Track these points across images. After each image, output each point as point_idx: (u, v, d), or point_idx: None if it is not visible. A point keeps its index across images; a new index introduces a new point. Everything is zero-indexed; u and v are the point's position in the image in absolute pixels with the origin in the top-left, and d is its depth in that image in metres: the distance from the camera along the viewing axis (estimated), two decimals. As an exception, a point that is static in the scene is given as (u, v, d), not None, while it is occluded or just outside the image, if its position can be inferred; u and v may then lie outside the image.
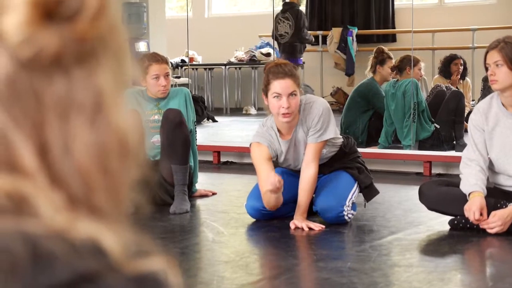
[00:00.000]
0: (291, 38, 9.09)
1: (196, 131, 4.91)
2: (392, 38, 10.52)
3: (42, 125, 0.52)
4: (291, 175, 4.26)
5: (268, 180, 3.81)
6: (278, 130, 4.11)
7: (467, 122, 5.19)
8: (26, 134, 0.51)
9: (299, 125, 4.09)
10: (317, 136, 4.06)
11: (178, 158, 4.54)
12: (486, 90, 6.99)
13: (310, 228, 3.94)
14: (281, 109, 3.92)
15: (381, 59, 6.96)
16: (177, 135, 4.52)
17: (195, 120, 4.90)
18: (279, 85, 3.92)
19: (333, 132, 4.09)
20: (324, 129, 4.06)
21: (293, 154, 4.17)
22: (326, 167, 4.23)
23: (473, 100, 8.08)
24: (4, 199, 0.49)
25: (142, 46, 8.27)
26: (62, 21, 0.52)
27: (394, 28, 10.66)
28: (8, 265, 0.46)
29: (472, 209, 3.74)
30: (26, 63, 0.51)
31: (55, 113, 0.52)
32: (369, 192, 4.26)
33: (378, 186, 4.36)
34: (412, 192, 4.73)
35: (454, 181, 4.12)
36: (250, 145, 4.13)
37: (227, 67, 10.80)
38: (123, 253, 0.50)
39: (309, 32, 9.27)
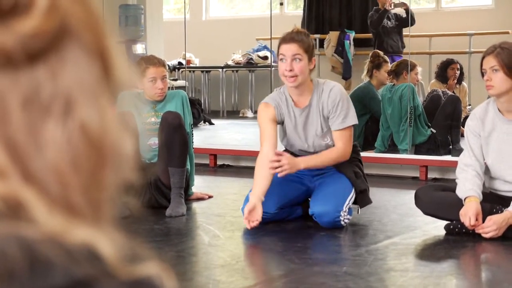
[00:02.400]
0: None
1: (192, 134, 4.91)
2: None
3: (8, 124, 0.51)
4: (289, 181, 4.25)
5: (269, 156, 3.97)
6: (292, 98, 4.18)
7: (463, 127, 5.20)
8: None
9: (314, 97, 4.15)
10: (339, 122, 4.12)
11: (175, 160, 4.54)
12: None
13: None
14: (285, 72, 4.05)
15: (377, 63, 6.97)
16: (175, 138, 4.52)
17: (192, 123, 4.90)
18: (283, 48, 4.09)
19: (355, 118, 4.17)
20: (345, 114, 4.12)
21: (303, 126, 4.19)
22: None
23: (469, 105, 8.09)
24: None
25: (139, 49, 8.28)
26: (11, 17, 0.51)
27: (391, 32, 10.65)
28: (4, 270, 0.46)
29: (468, 215, 3.75)
30: None
31: (22, 112, 0.52)
32: (363, 198, 4.24)
33: (374, 190, 4.37)
34: (408, 196, 4.74)
35: (450, 186, 4.13)
36: (259, 105, 4.26)
37: (224, 70, 10.80)
38: (118, 258, 0.50)
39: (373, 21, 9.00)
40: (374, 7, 9.33)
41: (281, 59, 4.10)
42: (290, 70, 4.03)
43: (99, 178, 0.55)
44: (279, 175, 3.99)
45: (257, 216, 3.92)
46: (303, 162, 4.07)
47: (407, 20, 8.25)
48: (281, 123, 4.22)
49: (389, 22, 8.36)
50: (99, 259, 0.49)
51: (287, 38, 4.11)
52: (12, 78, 0.52)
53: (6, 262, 0.46)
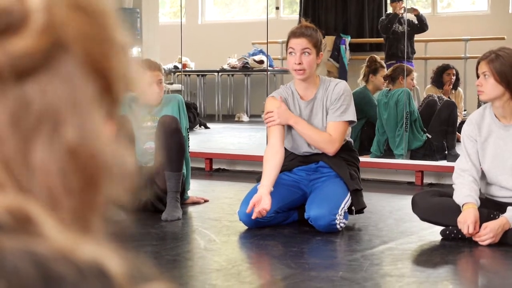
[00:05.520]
0: None
1: (189, 138, 4.90)
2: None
3: (1, 142, 0.51)
4: (286, 185, 4.26)
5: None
6: (298, 92, 4.26)
7: (459, 132, 5.21)
8: None
9: (320, 90, 4.23)
10: (337, 115, 4.20)
11: (172, 164, 4.53)
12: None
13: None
14: (294, 65, 4.16)
15: (374, 68, 6.98)
16: (172, 142, 4.51)
17: (188, 127, 4.89)
18: (293, 42, 4.19)
19: (353, 115, 4.24)
20: (345, 109, 4.20)
21: (307, 119, 4.26)
22: (322, 156, 4.24)
23: (465, 110, 8.11)
24: (7, 217, 0.48)
25: (135, 52, 8.27)
26: (2, 35, 0.50)
27: (387, 37, 10.65)
28: (17, 287, 0.45)
29: (467, 222, 3.75)
30: None
31: (11, 131, 0.51)
32: (357, 199, 4.23)
33: (370, 195, 4.37)
34: (404, 201, 4.74)
35: (446, 192, 4.12)
36: (267, 99, 4.39)
37: (219, 73, 10.80)
38: (126, 277, 0.49)
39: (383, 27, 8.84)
40: (386, 12, 9.30)
41: (290, 53, 4.19)
42: (299, 64, 4.13)
43: (89, 198, 0.54)
44: (268, 125, 4.15)
45: (265, 205, 3.94)
46: (294, 119, 4.18)
47: (419, 26, 8.24)
48: None
49: (400, 27, 8.34)
50: (108, 278, 0.48)
51: (297, 33, 4.20)
52: (1, 95, 0.50)
53: (19, 278, 0.45)
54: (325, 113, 4.23)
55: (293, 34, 4.22)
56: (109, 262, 0.49)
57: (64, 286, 0.46)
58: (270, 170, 4.06)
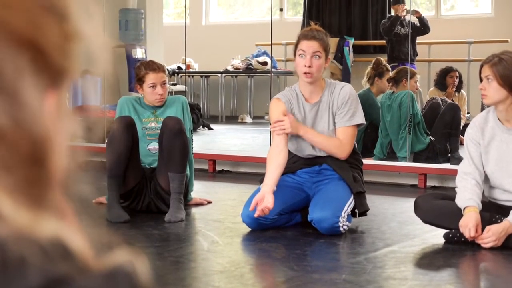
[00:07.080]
0: None
1: (192, 140, 4.91)
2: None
3: None
4: (289, 187, 4.26)
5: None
6: (303, 95, 4.27)
7: (462, 135, 5.21)
8: None
9: (325, 93, 4.24)
10: (346, 119, 4.21)
11: (175, 166, 4.53)
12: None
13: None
14: (303, 68, 4.15)
15: (380, 71, 6.98)
16: (176, 143, 4.52)
17: (191, 128, 4.90)
18: (305, 44, 4.18)
19: (362, 118, 4.25)
20: (353, 113, 4.21)
21: (312, 121, 4.26)
22: (326, 158, 4.25)
23: (468, 113, 8.10)
24: None
25: (139, 53, 8.28)
26: None
27: (390, 39, 10.64)
28: None
29: (468, 226, 3.75)
30: None
31: None
32: (361, 202, 4.23)
33: (373, 197, 4.36)
34: (407, 204, 4.74)
35: (449, 195, 4.12)
36: (271, 101, 4.39)
37: (223, 75, 10.81)
38: (88, 250, 0.47)
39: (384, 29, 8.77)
40: (388, 15, 9.30)
41: (300, 55, 4.18)
42: (309, 67, 4.13)
43: (34, 175, 0.50)
44: (276, 133, 4.13)
45: (267, 203, 3.94)
46: (303, 130, 4.18)
47: (421, 28, 8.22)
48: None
49: (402, 29, 8.32)
50: (71, 255, 0.46)
51: (309, 35, 4.20)
52: None
53: None
54: (331, 117, 4.23)
55: (305, 37, 4.21)
56: (70, 238, 0.46)
57: (27, 269, 0.43)
58: (274, 170, 4.07)
